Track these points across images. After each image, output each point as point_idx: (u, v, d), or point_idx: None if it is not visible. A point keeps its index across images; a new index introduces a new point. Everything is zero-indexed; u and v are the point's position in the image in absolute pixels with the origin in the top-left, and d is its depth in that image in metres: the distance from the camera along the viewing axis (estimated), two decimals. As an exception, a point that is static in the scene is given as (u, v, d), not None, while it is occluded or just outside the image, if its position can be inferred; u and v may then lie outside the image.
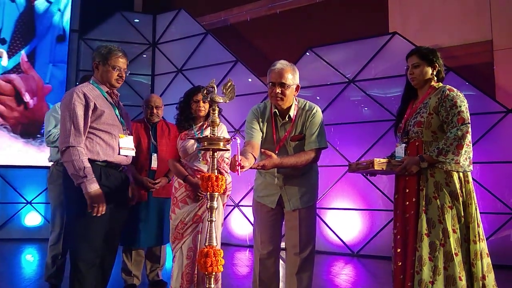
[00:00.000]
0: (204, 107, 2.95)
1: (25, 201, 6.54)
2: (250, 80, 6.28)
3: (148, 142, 3.39)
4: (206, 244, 1.76)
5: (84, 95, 2.31)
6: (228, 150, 1.87)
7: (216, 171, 1.81)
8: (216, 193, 1.78)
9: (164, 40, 7.15)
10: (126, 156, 2.46)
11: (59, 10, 6.93)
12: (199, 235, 2.81)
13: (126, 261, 3.42)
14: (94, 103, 2.32)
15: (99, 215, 2.23)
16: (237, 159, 1.88)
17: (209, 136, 1.77)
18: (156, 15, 7.25)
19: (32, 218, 6.52)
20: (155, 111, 3.45)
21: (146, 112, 3.48)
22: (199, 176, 3.10)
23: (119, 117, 2.45)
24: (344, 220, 5.47)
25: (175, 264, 2.83)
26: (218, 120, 1.83)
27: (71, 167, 2.22)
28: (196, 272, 2.79)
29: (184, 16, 7.01)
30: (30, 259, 5.00)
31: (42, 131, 6.47)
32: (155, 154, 3.38)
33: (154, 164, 3.37)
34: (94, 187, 2.22)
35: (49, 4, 6.92)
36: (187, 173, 2.90)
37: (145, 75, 7.11)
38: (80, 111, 2.27)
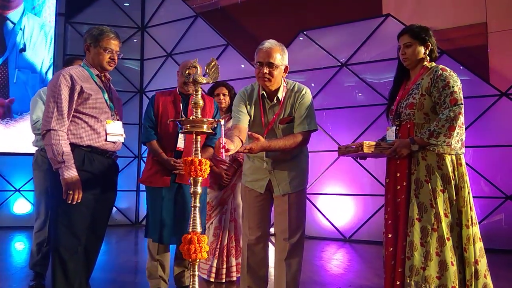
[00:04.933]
0: (224, 100, 3.31)
1: (14, 189, 6.44)
2: (243, 66, 6.17)
3: (175, 118, 2.75)
4: (190, 230, 1.69)
5: (71, 77, 2.23)
6: (212, 133, 1.78)
7: (199, 155, 1.72)
8: (200, 178, 1.70)
9: (153, 23, 6.99)
10: (114, 142, 2.38)
11: (21, 29, 6.85)
12: (224, 215, 3.22)
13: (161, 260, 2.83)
14: (81, 86, 2.24)
15: (74, 202, 2.16)
16: (221, 142, 1.79)
17: (191, 119, 1.68)
18: (145, -3, 7.08)
19: (21, 206, 6.43)
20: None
21: (181, 80, 2.86)
22: (223, 166, 3.21)
23: (108, 101, 2.37)
24: (336, 205, 5.44)
25: None
26: (201, 101, 1.74)
27: (50, 151, 2.16)
28: (218, 246, 3.19)
29: (173, -2, 6.85)
30: (18, 247, 4.92)
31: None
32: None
33: (181, 144, 2.75)
34: (70, 173, 2.15)
35: (13, 25, 6.82)
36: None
37: (134, 60, 6.97)
38: (65, 94, 2.20)
